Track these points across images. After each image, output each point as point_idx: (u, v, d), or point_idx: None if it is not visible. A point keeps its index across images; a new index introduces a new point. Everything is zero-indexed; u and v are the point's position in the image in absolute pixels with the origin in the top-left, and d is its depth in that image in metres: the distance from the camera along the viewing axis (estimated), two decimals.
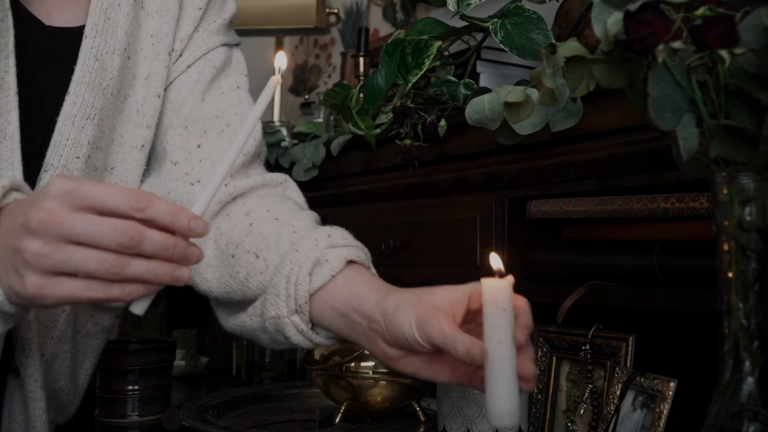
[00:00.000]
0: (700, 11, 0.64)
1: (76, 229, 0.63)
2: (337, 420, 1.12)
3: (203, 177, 0.97)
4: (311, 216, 0.95)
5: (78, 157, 0.90)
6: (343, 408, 1.13)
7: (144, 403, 1.19)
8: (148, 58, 0.98)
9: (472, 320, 0.75)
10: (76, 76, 0.90)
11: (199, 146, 1.00)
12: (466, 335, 0.70)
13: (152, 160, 1.03)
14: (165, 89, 1.01)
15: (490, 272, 0.70)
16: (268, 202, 0.96)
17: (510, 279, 0.69)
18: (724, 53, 0.62)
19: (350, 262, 0.84)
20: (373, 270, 0.88)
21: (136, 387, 1.19)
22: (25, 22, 0.89)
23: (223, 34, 1.06)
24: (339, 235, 0.87)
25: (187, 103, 1.01)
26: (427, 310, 0.73)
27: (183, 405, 1.21)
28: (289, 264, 0.84)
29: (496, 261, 0.72)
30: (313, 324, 0.85)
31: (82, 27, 0.92)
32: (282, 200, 0.97)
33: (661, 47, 0.65)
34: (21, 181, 0.74)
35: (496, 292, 0.68)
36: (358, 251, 0.87)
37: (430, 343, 0.72)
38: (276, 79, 0.71)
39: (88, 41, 0.91)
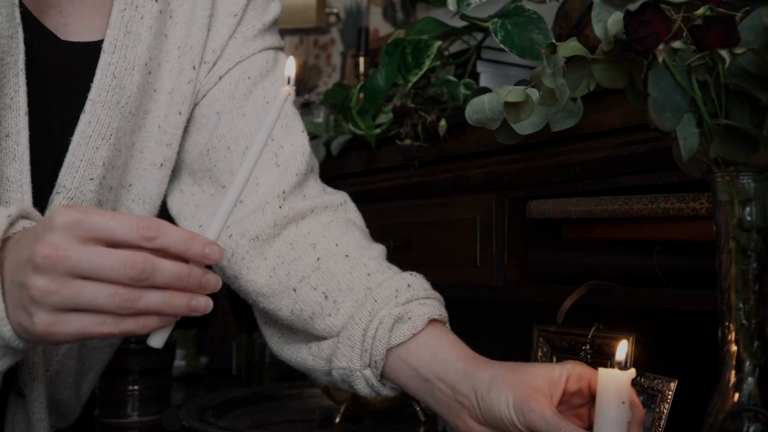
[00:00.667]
0: (701, 11, 0.64)
1: (83, 264, 0.60)
2: (337, 420, 1.12)
3: (251, 197, 0.91)
4: (381, 252, 0.90)
5: (92, 179, 0.86)
6: (343, 408, 1.13)
7: (144, 403, 1.19)
8: (174, 72, 0.92)
9: (566, 402, 0.73)
10: (92, 94, 0.85)
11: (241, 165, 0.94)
12: (570, 424, 0.68)
13: (191, 178, 0.97)
14: (197, 104, 0.95)
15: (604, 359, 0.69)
16: (335, 233, 0.90)
17: (632, 372, 0.68)
18: (724, 53, 0.62)
19: (432, 320, 0.81)
20: (448, 326, 0.85)
21: (136, 387, 1.19)
22: (38, 38, 0.84)
23: (261, 38, 0.97)
24: (419, 285, 0.84)
25: (225, 123, 0.94)
26: (526, 392, 0.70)
27: (183, 405, 1.21)
28: (368, 316, 0.81)
29: (622, 351, 0.70)
30: (382, 375, 0.82)
31: (101, 42, 0.86)
32: (348, 229, 0.91)
33: (661, 47, 0.64)
34: (30, 208, 0.71)
35: (618, 384, 0.67)
36: (440, 307, 0.84)
37: (529, 427, 0.70)
38: (286, 90, 0.67)
39: (106, 57, 0.85)
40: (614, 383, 0.67)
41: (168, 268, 0.61)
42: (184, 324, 1.82)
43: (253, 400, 1.28)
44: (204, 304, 0.64)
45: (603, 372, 0.69)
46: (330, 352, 0.84)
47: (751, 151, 0.63)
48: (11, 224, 0.67)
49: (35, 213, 0.71)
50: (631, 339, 0.91)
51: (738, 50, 0.61)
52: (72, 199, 0.85)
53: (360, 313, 0.82)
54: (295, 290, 0.87)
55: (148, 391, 1.20)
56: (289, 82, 0.69)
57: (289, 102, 0.97)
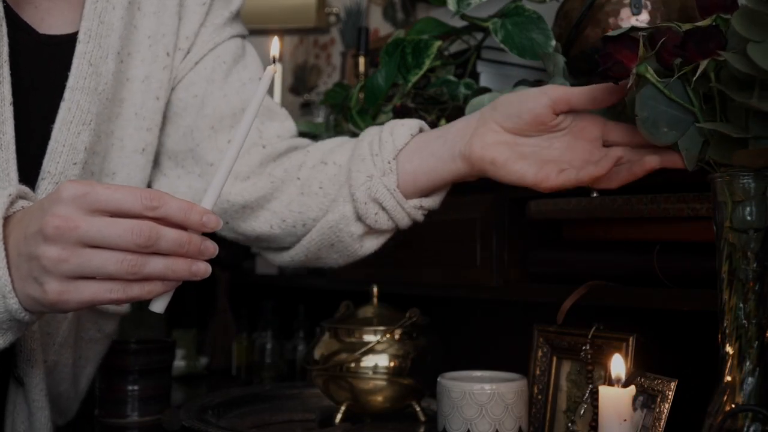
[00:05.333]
0: (686, 26, 0.66)
1: (92, 233, 0.64)
2: (337, 420, 1.12)
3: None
4: None
5: (75, 163, 0.89)
6: (343, 408, 1.13)
7: (144, 403, 1.19)
8: (146, 60, 0.97)
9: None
10: (71, 82, 0.88)
11: (229, 142, 0.99)
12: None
13: (172, 161, 1.02)
14: (173, 89, 1.00)
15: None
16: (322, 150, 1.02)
17: (632, 389, 0.68)
18: (705, 62, 0.63)
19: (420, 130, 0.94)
20: None
21: (136, 387, 1.19)
22: (18, 31, 0.88)
23: (230, 26, 1.04)
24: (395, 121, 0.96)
25: (208, 104, 1.00)
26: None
27: (183, 405, 1.20)
28: (368, 137, 0.95)
29: (617, 366, 0.71)
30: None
31: (76, 33, 0.90)
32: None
33: (634, 71, 0.67)
34: (27, 189, 0.74)
35: (618, 402, 0.67)
36: (422, 122, 0.96)
37: (568, 102, 0.82)
38: (272, 69, 0.71)
39: (82, 46, 0.89)
40: (614, 402, 0.67)
41: (171, 235, 0.65)
42: (184, 324, 1.82)
43: (253, 400, 1.28)
44: (203, 269, 0.67)
45: (603, 390, 0.68)
46: (344, 177, 0.94)
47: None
48: (11, 203, 0.70)
49: (32, 194, 0.75)
50: (630, 340, 0.91)
51: (722, 57, 0.62)
52: (57, 183, 0.88)
53: (359, 144, 0.94)
54: (298, 178, 0.98)
55: (148, 391, 1.19)
56: (274, 61, 0.73)
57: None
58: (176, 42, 0.99)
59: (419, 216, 0.94)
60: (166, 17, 0.97)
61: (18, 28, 0.88)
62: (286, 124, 1.06)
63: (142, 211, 0.65)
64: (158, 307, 0.69)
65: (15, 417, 0.93)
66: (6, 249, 0.67)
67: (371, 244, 0.98)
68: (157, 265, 0.65)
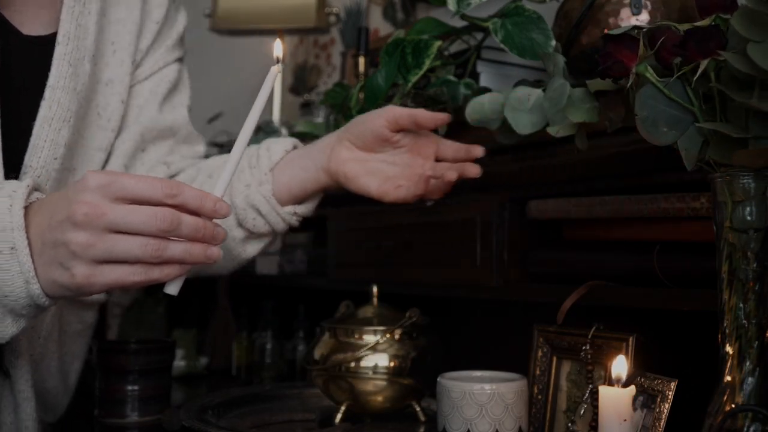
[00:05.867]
0: (685, 26, 0.66)
1: (119, 219, 0.69)
2: (337, 420, 1.12)
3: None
4: None
5: (56, 158, 0.93)
6: (343, 408, 1.13)
7: (144, 403, 1.19)
8: (110, 65, 1.03)
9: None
10: (51, 81, 0.92)
11: (144, 150, 1.07)
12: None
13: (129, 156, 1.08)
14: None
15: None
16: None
17: (632, 389, 0.68)
18: (705, 62, 0.63)
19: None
20: None
21: (135, 387, 1.18)
22: (6, 33, 0.92)
23: (177, 49, 1.12)
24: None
25: (146, 114, 1.08)
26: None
27: (183, 405, 1.20)
28: (248, 154, 1.02)
29: (619, 367, 0.70)
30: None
31: (54, 34, 0.94)
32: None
33: (634, 70, 0.67)
34: (39, 181, 0.79)
35: (618, 402, 0.67)
36: (296, 141, 1.06)
37: (397, 122, 0.97)
38: (276, 69, 0.77)
39: (61, 48, 0.93)
40: (614, 402, 0.67)
41: (189, 221, 0.71)
42: (184, 324, 1.82)
43: (253, 400, 1.28)
44: (216, 252, 0.74)
45: (603, 390, 0.68)
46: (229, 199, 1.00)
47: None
48: (29, 194, 0.75)
49: (44, 186, 0.83)
50: (630, 340, 0.91)
51: (722, 57, 0.62)
52: (39, 178, 0.92)
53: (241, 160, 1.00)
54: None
55: (148, 391, 1.19)
56: (278, 62, 0.80)
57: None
58: (134, 53, 1.06)
59: (294, 221, 1.04)
60: (128, 27, 1.04)
61: (6, 30, 0.91)
62: (195, 148, 1.15)
63: (162, 198, 0.70)
64: (173, 289, 0.75)
65: (2, 409, 0.95)
66: (28, 237, 0.71)
67: (253, 248, 1.07)
68: (176, 249, 0.71)
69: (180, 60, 1.13)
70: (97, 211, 0.68)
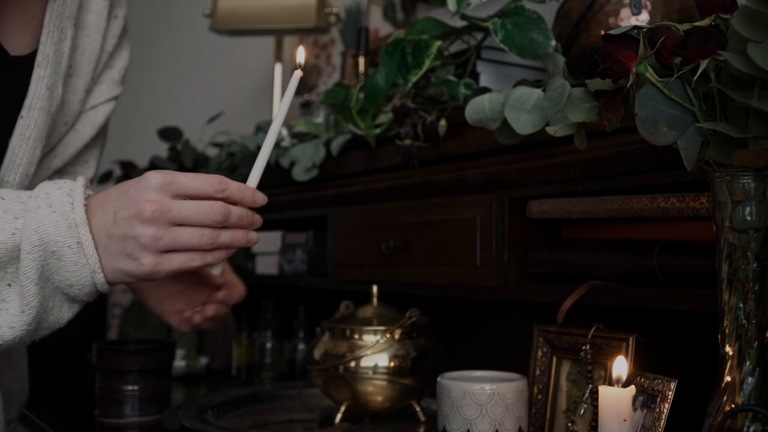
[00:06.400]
0: (685, 26, 0.66)
1: (182, 214, 0.79)
2: (337, 420, 1.12)
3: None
4: None
5: (28, 175, 0.98)
6: (343, 408, 1.13)
7: (144, 403, 1.19)
8: (69, 90, 1.05)
9: None
10: (29, 101, 0.96)
11: (59, 172, 1.10)
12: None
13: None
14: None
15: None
16: None
17: (632, 389, 0.68)
18: (705, 62, 0.63)
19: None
20: None
21: (135, 387, 1.19)
22: None
23: (119, 86, 1.15)
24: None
25: (78, 144, 1.10)
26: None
27: (183, 405, 1.20)
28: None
29: (620, 368, 0.70)
30: None
31: (32, 53, 0.97)
32: None
33: (634, 70, 0.67)
34: (87, 181, 0.85)
35: (618, 402, 0.67)
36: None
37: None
38: (299, 74, 0.86)
39: (41, 70, 0.97)
40: (615, 401, 0.67)
41: (236, 211, 0.82)
42: None
43: (253, 400, 1.28)
44: (255, 237, 0.85)
45: (603, 390, 0.68)
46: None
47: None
48: (85, 191, 0.82)
49: (89, 183, 0.90)
50: (630, 340, 0.91)
51: (721, 57, 0.62)
52: None
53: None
54: None
55: (147, 391, 1.19)
56: (300, 67, 0.88)
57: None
58: (89, 82, 1.09)
59: None
60: (86, 56, 1.07)
61: None
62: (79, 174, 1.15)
63: (213, 193, 0.80)
64: (218, 270, 0.86)
65: None
66: (91, 231, 0.79)
67: None
68: (226, 236, 0.81)
69: (116, 99, 1.15)
70: (163, 207, 0.78)
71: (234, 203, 0.82)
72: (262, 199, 0.84)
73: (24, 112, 0.96)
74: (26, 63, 0.97)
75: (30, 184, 0.98)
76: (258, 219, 0.85)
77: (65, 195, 0.80)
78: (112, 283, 0.82)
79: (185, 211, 0.79)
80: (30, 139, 0.96)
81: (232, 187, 0.82)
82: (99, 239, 0.79)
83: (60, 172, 1.10)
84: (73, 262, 0.78)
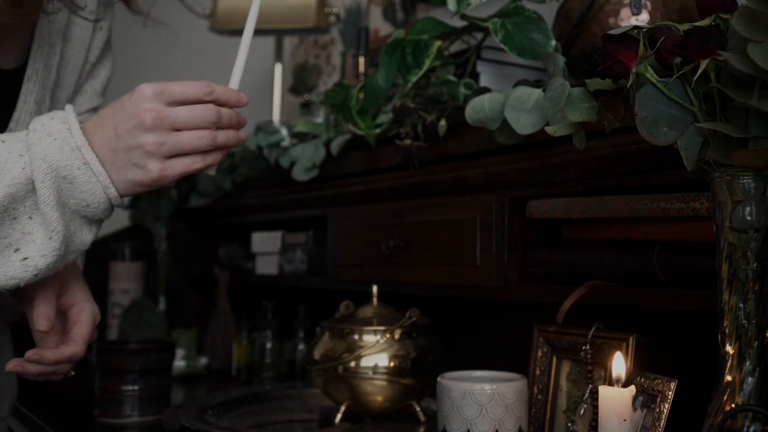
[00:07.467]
0: (685, 26, 0.65)
1: (180, 118, 0.82)
2: (337, 420, 1.12)
3: None
4: None
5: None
6: (343, 408, 1.13)
7: (144, 403, 1.19)
8: (63, 87, 1.06)
9: None
10: (17, 114, 0.98)
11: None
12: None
13: None
14: None
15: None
16: None
17: (632, 389, 0.68)
18: (705, 62, 0.63)
19: None
20: None
21: (135, 387, 1.19)
22: None
23: (99, 97, 1.15)
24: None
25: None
26: None
27: (183, 405, 1.20)
28: None
29: (618, 365, 0.70)
30: None
31: (20, 67, 0.99)
32: None
33: (634, 70, 0.67)
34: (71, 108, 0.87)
35: (618, 402, 0.66)
36: None
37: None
38: None
39: (29, 85, 0.99)
40: (614, 401, 0.67)
41: (226, 112, 0.85)
42: (184, 324, 1.82)
43: (253, 400, 1.28)
44: (243, 136, 0.89)
45: (603, 390, 0.68)
46: None
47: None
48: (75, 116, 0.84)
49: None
50: (630, 340, 0.91)
51: (720, 57, 0.62)
52: None
53: None
54: None
55: (147, 391, 1.19)
56: None
57: None
58: (72, 93, 1.10)
59: None
60: (70, 68, 1.08)
61: None
62: None
63: (202, 97, 0.83)
64: (213, 171, 0.89)
65: None
66: (94, 150, 0.82)
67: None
68: (221, 136, 0.85)
69: (96, 110, 1.15)
70: (162, 114, 0.81)
71: (221, 105, 0.85)
72: (245, 99, 0.88)
73: (12, 125, 0.97)
74: (13, 76, 0.99)
75: None
76: (243, 118, 0.89)
77: (60, 122, 0.83)
78: (124, 195, 0.85)
79: (182, 115, 0.82)
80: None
81: (218, 89, 0.85)
82: (104, 156, 0.82)
83: None
84: (84, 182, 0.82)
